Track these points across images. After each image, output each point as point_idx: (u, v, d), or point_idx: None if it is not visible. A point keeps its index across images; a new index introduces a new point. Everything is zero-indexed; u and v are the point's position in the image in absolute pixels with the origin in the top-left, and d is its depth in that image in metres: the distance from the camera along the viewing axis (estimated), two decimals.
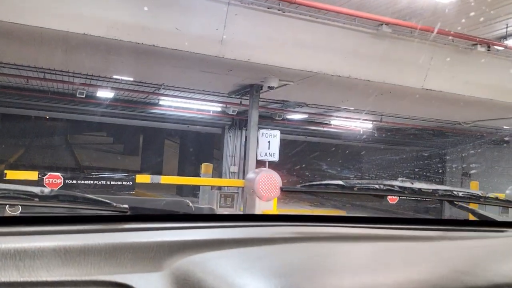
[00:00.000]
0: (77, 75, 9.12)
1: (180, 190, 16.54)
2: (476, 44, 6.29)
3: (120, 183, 5.89)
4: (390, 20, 5.50)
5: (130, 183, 5.94)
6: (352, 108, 10.27)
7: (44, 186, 5.00)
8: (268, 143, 9.75)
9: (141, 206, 1.18)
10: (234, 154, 14.22)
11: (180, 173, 17.66)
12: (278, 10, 5.61)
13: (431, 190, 1.37)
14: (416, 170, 15.87)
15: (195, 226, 1.05)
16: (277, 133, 9.87)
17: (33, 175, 5.33)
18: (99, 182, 5.76)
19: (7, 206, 1.04)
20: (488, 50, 6.36)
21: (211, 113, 12.78)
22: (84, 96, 10.25)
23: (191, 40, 5.54)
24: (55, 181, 5.32)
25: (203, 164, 9.72)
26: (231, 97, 9.95)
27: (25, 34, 5.28)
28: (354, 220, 1.31)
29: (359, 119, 12.36)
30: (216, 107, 12.23)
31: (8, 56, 7.37)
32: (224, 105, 11.73)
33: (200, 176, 10.11)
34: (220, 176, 13.55)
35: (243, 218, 1.31)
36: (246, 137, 13.72)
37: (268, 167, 9.42)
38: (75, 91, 10.26)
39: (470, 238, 1.23)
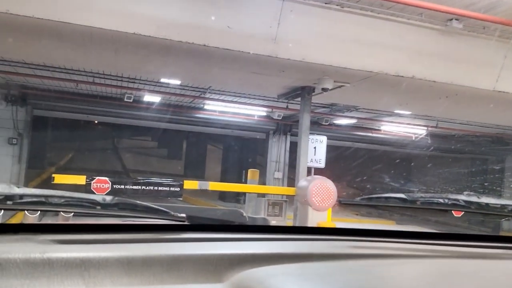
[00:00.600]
0: (125, 79, 9.09)
1: (223, 196, 16.40)
2: None
3: (168, 188, 5.70)
4: (463, 12, 4.97)
5: (178, 189, 5.72)
6: (409, 113, 9.66)
7: (93, 191, 4.85)
8: (314, 149, 9.36)
9: (198, 215, 1.19)
10: (279, 160, 13.95)
11: (222, 179, 17.54)
12: (337, 5, 5.21)
13: (499, 205, 1.32)
14: (471, 178, 14.92)
15: (252, 238, 1.06)
16: (324, 138, 9.47)
17: (81, 180, 5.20)
18: (147, 188, 5.58)
19: (61, 212, 1.14)
20: None
21: (255, 118, 12.54)
22: (131, 101, 10.25)
23: (243, 39, 5.25)
24: (102, 185, 5.17)
25: (249, 170, 9.42)
26: (277, 101, 9.62)
27: (75, 34, 5.17)
28: (415, 236, 1.26)
29: (413, 124, 11.72)
30: (261, 112, 11.97)
31: (59, 59, 7.39)
32: (269, 110, 11.44)
33: (246, 182, 9.84)
34: (264, 183, 13.28)
35: (299, 230, 1.32)
36: (291, 142, 13.42)
37: (314, 174, 9.04)
38: (123, 95, 10.27)
39: None
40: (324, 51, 5.48)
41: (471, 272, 0.94)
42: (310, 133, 8.28)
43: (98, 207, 1.01)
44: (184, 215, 1.06)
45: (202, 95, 10.20)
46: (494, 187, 14.10)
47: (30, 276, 0.73)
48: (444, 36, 5.53)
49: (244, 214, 1.23)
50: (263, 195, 9.51)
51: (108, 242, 0.90)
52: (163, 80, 8.80)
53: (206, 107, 11.56)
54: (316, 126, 11.98)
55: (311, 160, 9.17)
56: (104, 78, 9.03)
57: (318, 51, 5.48)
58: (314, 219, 6.70)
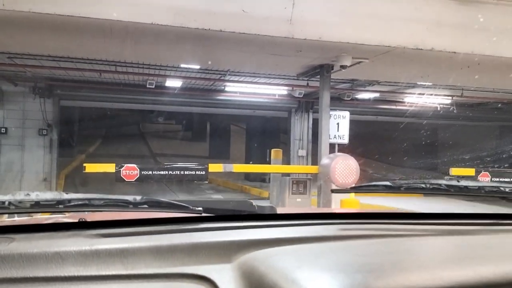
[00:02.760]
0: (146, 66, 9.25)
1: (248, 175, 16.61)
2: None
3: (193, 172, 5.88)
4: None
5: (203, 173, 5.90)
6: (431, 84, 9.52)
7: (123, 178, 5.04)
8: (337, 125, 9.34)
9: (212, 207, 1.33)
10: (302, 138, 13.96)
11: (247, 158, 17.72)
12: None
13: (477, 187, 1.44)
14: (500, 147, 14.61)
15: (259, 225, 1.23)
16: (346, 114, 9.42)
17: (110, 168, 5.44)
18: (174, 172, 5.79)
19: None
20: None
21: (276, 97, 12.54)
22: (153, 87, 10.42)
23: (258, 22, 5.28)
24: (131, 172, 5.39)
25: (272, 150, 9.53)
26: (298, 79, 9.60)
27: (95, 28, 5.31)
28: (418, 217, 1.36)
29: (437, 94, 11.52)
30: (282, 91, 11.96)
31: (82, 51, 7.59)
32: (290, 88, 11.42)
33: (270, 162, 9.95)
34: (288, 161, 13.36)
35: (304, 216, 1.44)
36: (313, 120, 13.39)
37: (338, 150, 9.07)
38: (145, 82, 10.45)
39: None
40: (340, 28, 5.46)
41: (474, 247, 1.03)
42: (333, 109, 8.27)
43: (131, 206, 1.20)
44: (201, 208, 1.24)
45: (222, 78, 10.28)
46: None
47: (83, 264, 0.94)
48: (463, 5, 5.41)
49: (254, 204, 1.38)
50: (287, 174, 9.63)
51: (140, 234, 1.10)
52: (183, 65, 8.92)
53: (227, 89, 11.64)
54: (338, 101, 11.90)
55: (335, 136, 9.15)
56: (126, 66, 9.22)
57: (334, 29, 5.46)
58: (337, 196, 6.81)
